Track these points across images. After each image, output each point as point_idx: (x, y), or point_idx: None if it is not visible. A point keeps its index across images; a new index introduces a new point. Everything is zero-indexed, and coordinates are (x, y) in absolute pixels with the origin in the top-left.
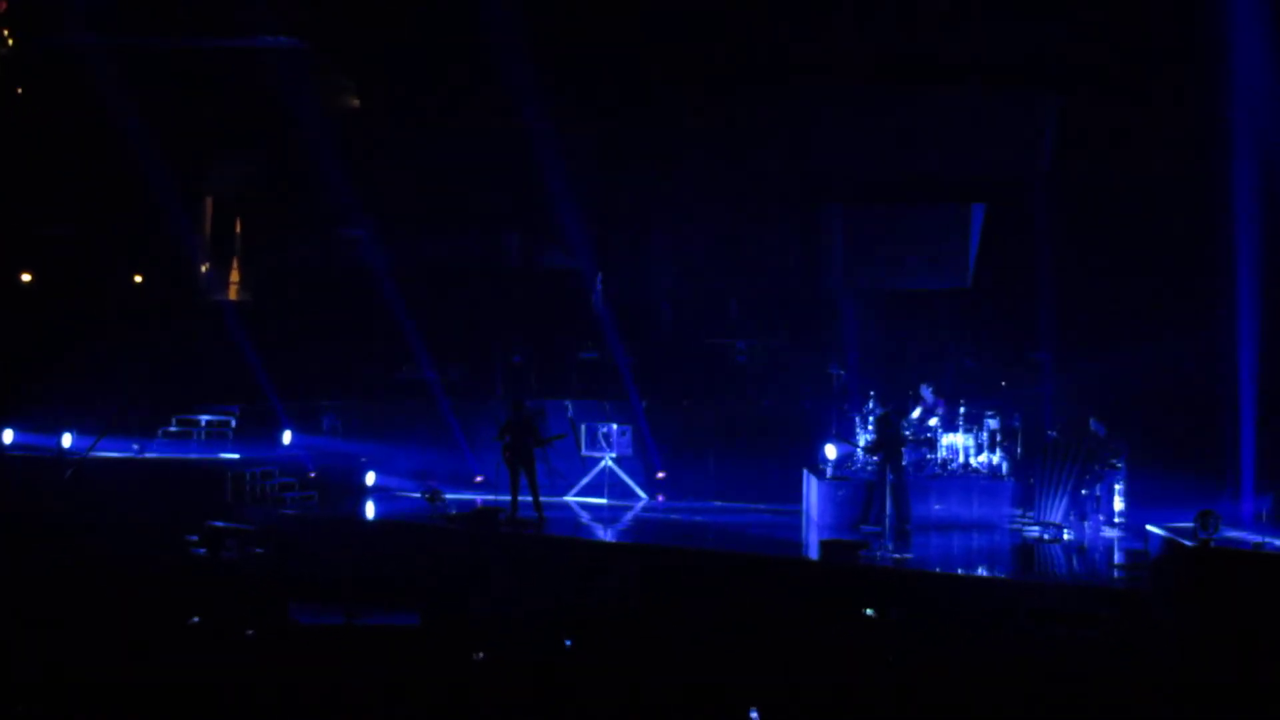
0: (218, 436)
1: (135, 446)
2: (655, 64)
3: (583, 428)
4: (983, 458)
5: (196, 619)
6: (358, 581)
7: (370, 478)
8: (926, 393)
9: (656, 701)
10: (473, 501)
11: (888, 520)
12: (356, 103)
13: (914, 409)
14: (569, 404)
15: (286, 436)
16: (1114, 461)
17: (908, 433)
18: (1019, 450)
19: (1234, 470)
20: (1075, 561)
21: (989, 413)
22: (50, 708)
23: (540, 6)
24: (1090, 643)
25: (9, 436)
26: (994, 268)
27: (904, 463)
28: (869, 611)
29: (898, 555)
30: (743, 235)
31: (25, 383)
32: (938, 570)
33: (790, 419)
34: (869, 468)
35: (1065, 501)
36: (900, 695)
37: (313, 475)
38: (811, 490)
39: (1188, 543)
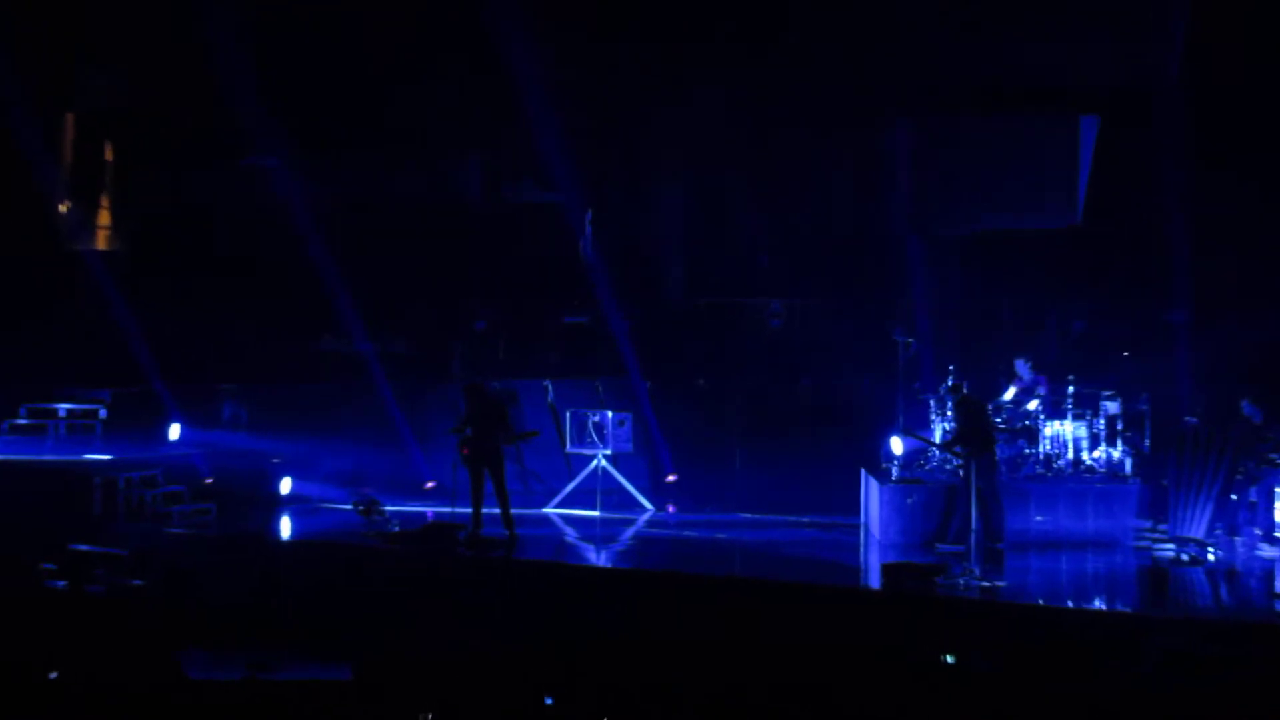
0: (82, 431)
1: None
2: None
3: (567, 416)
4: (1099, 453)
5: (55, 674)
6: (269, 623)
7: (285, 484)
8: (1023, 367)
9: None
10: (422, 515)
11: (973, 537)
12: None
13: (1007, 389)
14: (548, 385)
15: (174, 431)
16: (1273, 457)
17: (999, 420)
18: (1147, 443)
19: None
20: (1223, 590)
21: (1106, 393)
22: None
23: None
24: (1241, 694)
25: None
26: (1111, 201)
27: (995, 460)
28: (948, 658)
29: (987, 583)
30: (778, 161)
31: None
32: (1040, 603)
33: (842, 403)
34: (948, 467)
35: (1209, 511)
36: None
37: (209, 482)
38: (871, 497)
39: None
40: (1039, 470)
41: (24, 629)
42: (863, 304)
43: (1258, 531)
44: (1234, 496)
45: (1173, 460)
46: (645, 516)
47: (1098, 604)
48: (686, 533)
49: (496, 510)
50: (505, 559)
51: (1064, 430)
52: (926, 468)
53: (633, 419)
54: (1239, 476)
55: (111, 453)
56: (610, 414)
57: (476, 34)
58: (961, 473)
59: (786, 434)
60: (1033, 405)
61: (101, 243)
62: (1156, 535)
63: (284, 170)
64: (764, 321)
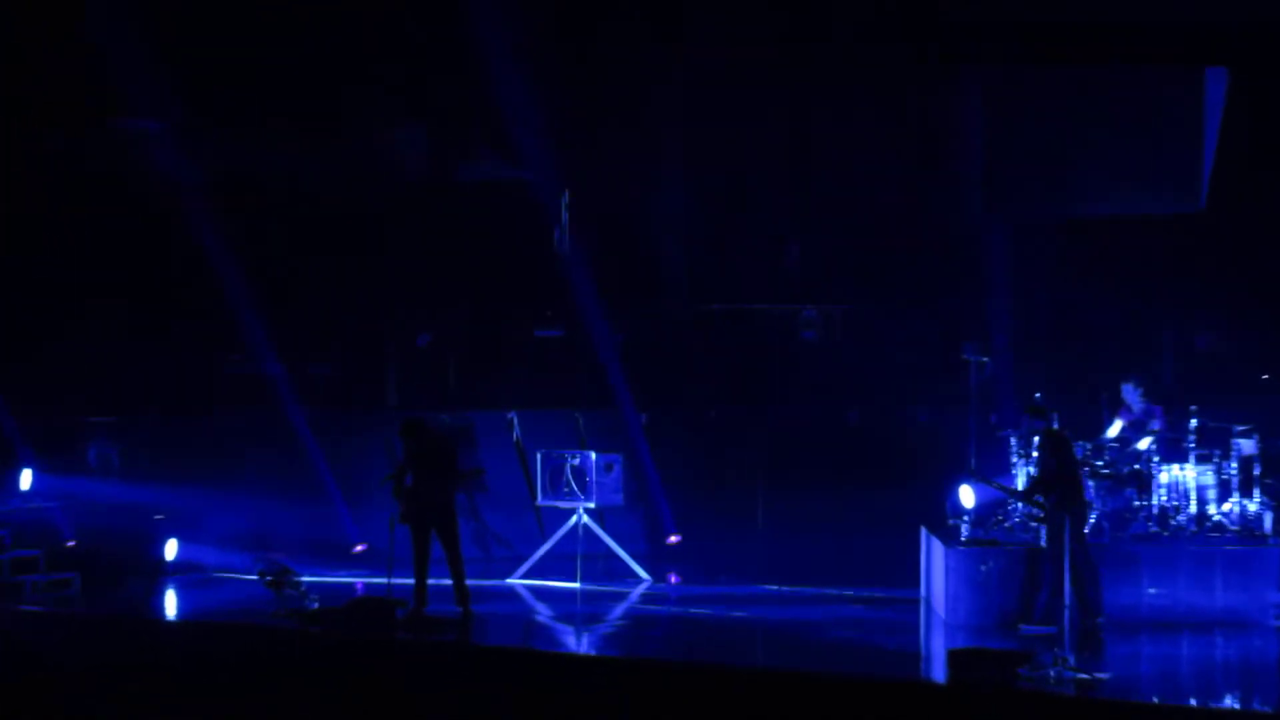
0: None
1: None
2: None
3: (538, 459)
4: (1230, 505)
5: None
6: None
7: (171, 548)
8: (1132, 394)
9: None
10: (349, 588)
11: (1066, 614)
12: None
13: (1111, 422)
14: (513, 418)
15: (25, 478)
16: None
17: (1100, 463)
18: None
19: None
20: None
21: (1240, 428)
22: None
23: None
24: None
25: None
26: (1244, 180)
27: (1090, 515)
28: None
29: (1085, 675)
30: (813, 127)
31: None
32: (1155, 701)
33: (896, 441)
34: (1033, 525)
35: None
36: None
37: (71, 544)
38: (935, 564)
39: None
40: (1152, 528)
41: None
42: (922, 312)
43: None
44: None
45: None
46: (640, 589)
47: (1229, 703)
48: (693, 610)
49: (447, 581)
50: (457, 643)
51: (1185, 476)
52: (1006, 525)
53: (623, 462)
54: None
55: None
56: (594, 456)
57: None
58: (1046, 530)
59: (823, 482)
60: (1144, 444)
61: None
62: None
63: (173, 136)
64: (794, 334)
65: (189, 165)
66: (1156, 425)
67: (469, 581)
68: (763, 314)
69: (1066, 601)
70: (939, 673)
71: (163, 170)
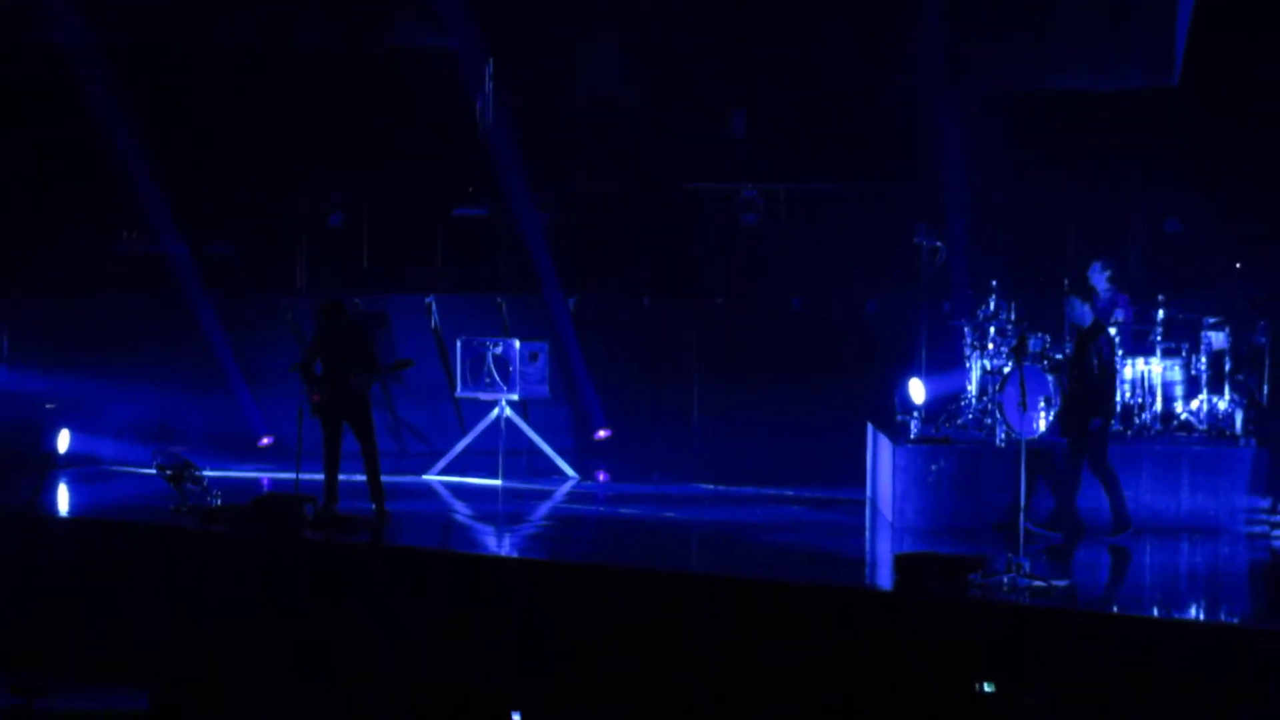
0: None
1: None
2: None
3: (458, 347)
4: (1198, 403)
5: None
6: (42, 633)
7: (63, 439)
8: (1100, 279)
9: None
10: (256, 483)
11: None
12: None
13: (1080, 311)
14: (431, 303)
15: None
16: None
17: (1059, 356)
18: (1264, 390)
19: None
20: None
21: (1210, 320)
22: None
23: None
24: None
25: None
26: (1220, 53)
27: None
28: (986, 687)
29: (1041, 582)
30: None
31: None
32: (1115, 611)
33: (841, 331)
34: (988, 420)
35: None
36: None
37: None
38: (882, 463)
39: None
40: (1115, 427)
41: None
42: (872, 192)
43: None
44: None
45: None
46: (566, 487)
47: (1195, 613)
48: (623, 510)
49: (359, 477)
50: (371, 544)
51: (1150, 371)
52: (959, 422)
53: (549, 351)
54: None
55: None
56: (518, 344)
57: None
58: (1074, 436)
59: (764, 374)
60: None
61: None
62: (1277, 518)
63: (61, 1)
64: (734, 215)
65: (82, 30)
66: (1121, 315)
67: (384, 478)
68: (701, 193)
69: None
70: (885, 579)
71: (54, 36)
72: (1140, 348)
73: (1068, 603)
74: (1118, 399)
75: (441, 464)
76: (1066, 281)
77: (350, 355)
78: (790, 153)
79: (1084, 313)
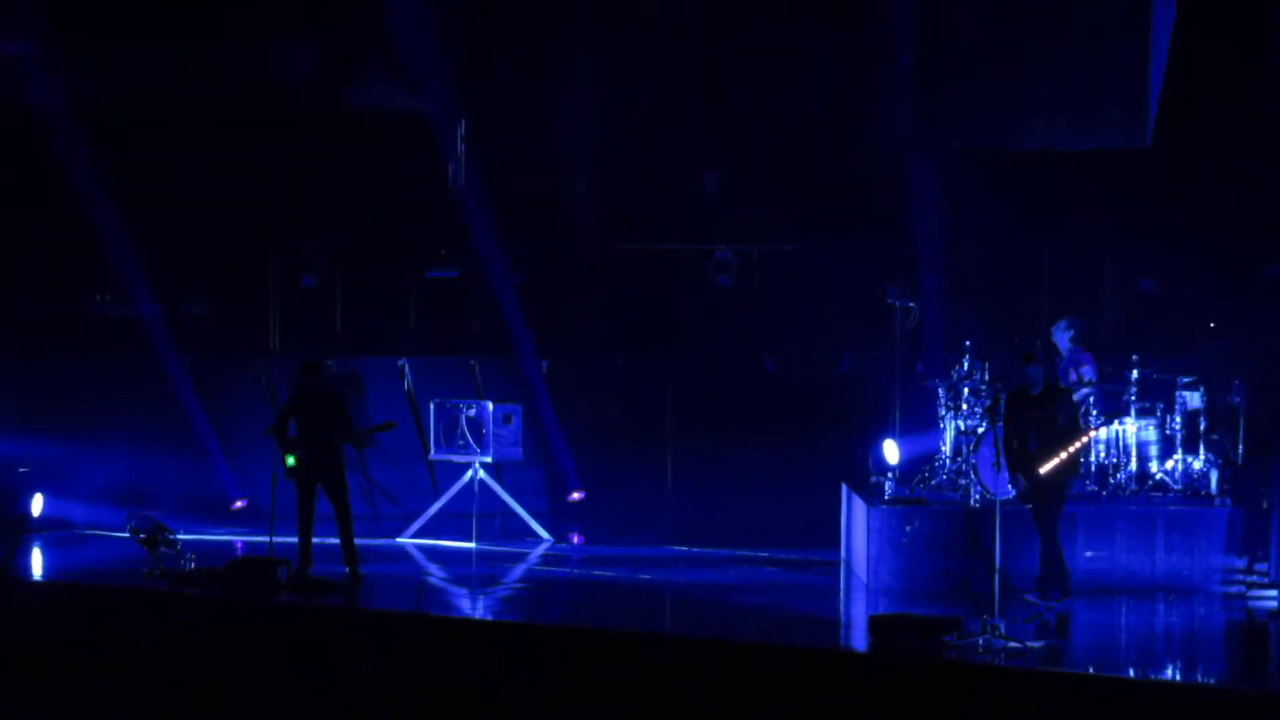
0: None
1: None
2: None
3: (430, 409)
4: (1173, 463)
5: None
6: (12, 693)
7: (36, 503)
8: (1062, 338)
9: None
10: (229, 546)
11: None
12: None
13: (1063, 370)
14: (404, 365)
15: None
16: None
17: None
18: (1239, 450)
19: None
20: None
21: (1185, 379)
22: None
23: None
24: None
25: None
26: (1194, 113)
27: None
28: None
29: (1016, 644)
30: (728, 53)
31: None
32: (1090, 671)
33: (814, 390)
34: (962, 481)
35: None
36: None
37: None
38: (856, 524)
39: None
40: (1089, 487)
41: None
42: (845, 251)
43: None
44: None
45: (1277, 475)
46: (540, 550)
47: (1172, 674)
48: (597, 572)
49: (333, 540)
50: (344, 607)
51: (1125, 431)
52: (933, 484)
53: (522, 413)
54: None
55: None
56: (491, 406)
57: None
58: (1051, 496)
59: (738, 435)
60: (1081, 392)
61: None
62: (1253, 578)
63: (39, 59)
64: (710, 276)
65: (53, 89)
66: (1085, 374)
67: (357, 541)
68: (674, 254)
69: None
70: (860, 641)
71: (26, 95)
72: (1113, 407)
73: (1043, 664)
74: (1089, 460)
75: (415, 526)
76: (1025, 353)
77: (327, 418)
78: (763, 212)
79: (1039, 378)
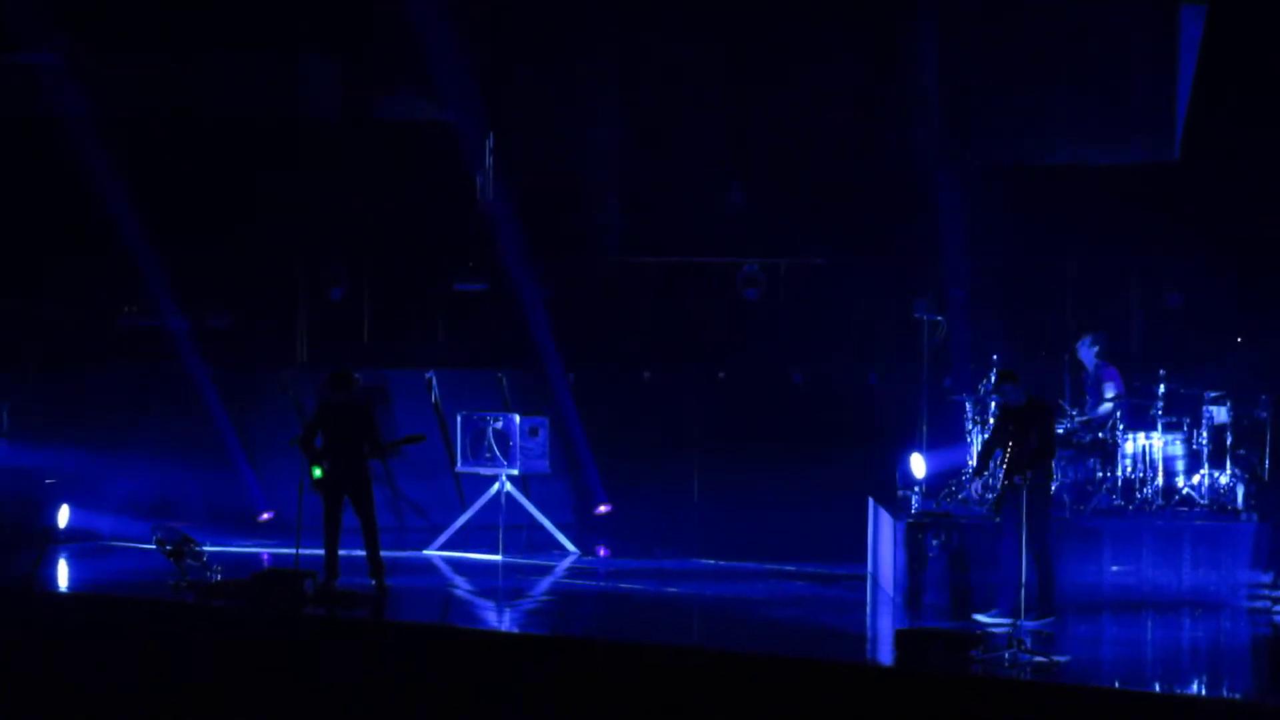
0: None
1: None
2: None
3: (458, 422)
4: (1200, 478)
5: None
6: (40, 706)
7: (63, 515)
8: (1087, 353)
9: None
10: (256, 558)
11: (1020, 594)
12: None
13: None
14: (431, 378)
15: None
16: None
17: (1059, 430)
18: (1265, 464)
19: None
20: None
21: (1212, 394)
22: None
23: None
24: None
25: None
26: (1221, 128)
27: (1051, 490)
28: None
29: (1043, 658)
30: (755, 65)
31: None
32: (1116, 686)
33: (843, 406)
34: (989, 496)
35: None
36: None
37: None
38: (883, 538)
39: None
40: (1116, 502)
41: None
42: (873, 266)
43: None
44: None
45: None
46: (567, 562)
47: (1197, 689)
48: (624, 585)
49: (360, 553)
50: (371, 619)
51: (1152, 446)
52: (960, 497)
53: (549, 426)
54: None
55: None
56: (518, 419)
57: None
58: (1007, 508)
59: (765, 449)
60: (1105, 407)
61: None
62: (1279, 594)
63: (67, 70)
64: (735, 290)
65: (81, 101)
66: (1111, 390)
67: (384, 553)
68: (701, 268)
69: (1026, 579)
70: (886, 655)
71: (55, 107)
72: (1141, 422)
73: (1070, 678)
74: (1117, 474)
75: (441, 539)
76: (994, 373)
77: (354, 430)
78: (791, 226)
79: (1018, 395)
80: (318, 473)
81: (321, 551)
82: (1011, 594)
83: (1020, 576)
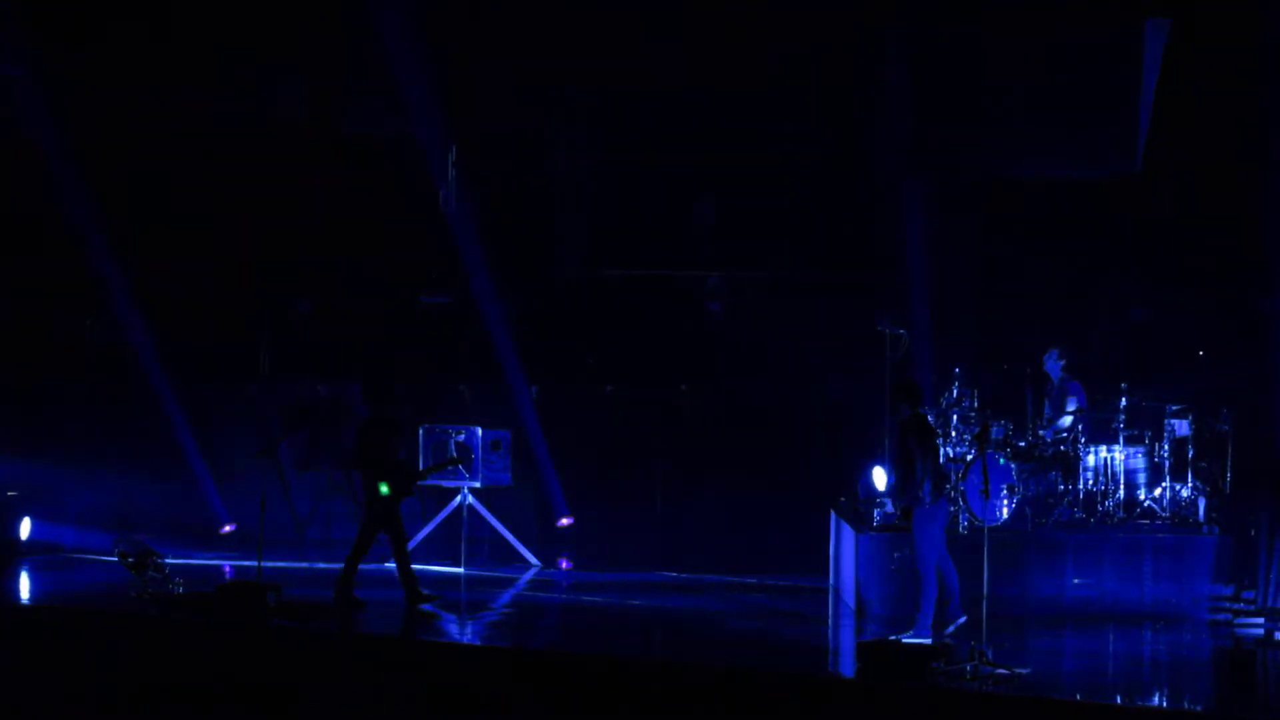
0: None
1: None
2: None
3: (420, 434)
4: (1161, 490)
5: None
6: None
7: (25, 527)
8: (1054, 366)
9: None
10: (217, 571)
11: (936, 607)
12: None
13: (1050, 397)
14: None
15: None
16: None
17: (1021, 444)
18: (1227, 478)
19: None
20: None
21: (1174, 408)
22: None
23: None
24: None
25: None
26: (1184, 143)
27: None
28: None
29: (1004, 670)
30: (721, 80)
31: None
32: (1077, 698)
33: (805, 419)
34: (951, 509)
35: None
36: None
37: None
38: (845, 551)
39: None
40: (1077, 515)
41: None
42: (837, 280)
43: None
44: None
45: (1265, 503)
46: (529, 575)
47: (1159, 701)
48: (586, 598)
49: (338, 565)
50: (334, 632)
51: (1114, 459)
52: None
53: (512, 438)
54: None
55: None
56: (480, 431)
57: None
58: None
59: (727, 462)
60: (1067, 421)
61: None
62: (1240, 606)
63: (27, 86)
64: (698, 303)
65: (45, 115)
66: (1074, 403)
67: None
68: (665, 281)
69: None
70: (848, 667)
71: (21, 119)
72: (1102, 435)
73: (1031, 690)
74: (1078, 487)
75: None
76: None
77: (384, 444)
78: (755, 240)
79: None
80: (385, 489)
81: (281, 565)
82: (928, 609)
83: (933, 591)
